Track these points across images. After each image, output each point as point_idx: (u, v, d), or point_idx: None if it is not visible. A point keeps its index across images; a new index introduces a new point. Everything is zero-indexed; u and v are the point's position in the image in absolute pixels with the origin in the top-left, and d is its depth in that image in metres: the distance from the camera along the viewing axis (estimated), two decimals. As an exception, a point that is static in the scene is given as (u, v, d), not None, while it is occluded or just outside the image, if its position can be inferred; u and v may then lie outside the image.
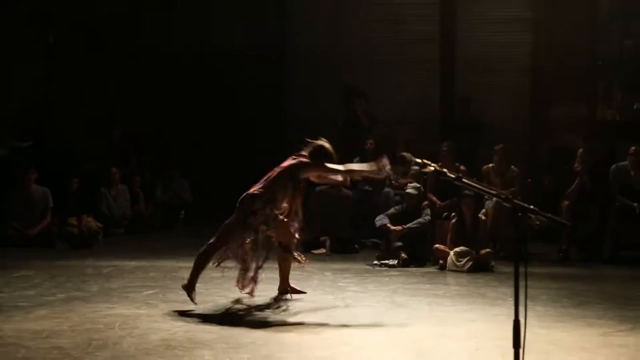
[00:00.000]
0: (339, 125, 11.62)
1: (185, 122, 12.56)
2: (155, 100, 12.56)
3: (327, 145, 6.30)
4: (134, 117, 12.47)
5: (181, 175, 12.17)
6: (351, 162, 10.30)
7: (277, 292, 6.37)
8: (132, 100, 12.57)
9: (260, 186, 6.09)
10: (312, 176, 6.39)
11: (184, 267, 7.76)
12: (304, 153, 6.26)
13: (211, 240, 6.12)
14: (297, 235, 6.24)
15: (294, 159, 6.24)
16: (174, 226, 11.62)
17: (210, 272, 7.47)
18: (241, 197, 6.07)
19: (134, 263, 8.18)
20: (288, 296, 6.29)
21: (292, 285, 6.40)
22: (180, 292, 6.43)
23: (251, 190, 6.07)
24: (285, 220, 6.13)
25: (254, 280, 6.06)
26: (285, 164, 6.22)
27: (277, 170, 6.18)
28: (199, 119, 12.52)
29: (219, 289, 6.69)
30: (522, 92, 12.09)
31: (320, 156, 6.23)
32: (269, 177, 6.14)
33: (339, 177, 6.63)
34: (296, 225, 6.24)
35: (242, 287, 6.07)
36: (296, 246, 6.30)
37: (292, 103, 12.74)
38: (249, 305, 5.99)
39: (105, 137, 12.00)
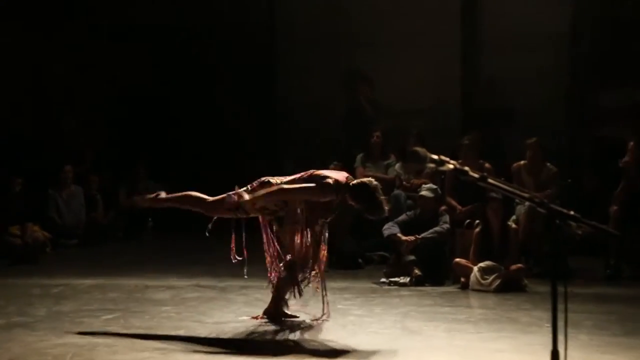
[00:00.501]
0: (340, 116, 11.62)
1: (156, 111, 12.53)
2: (119, 83, 12.52)
3: (373, 185, 6.13)
4: (91, 103, 12.42)
5: (149, 175, 12.13)
6: (354, 158, 10.45)
7: (261, 314, 6.35)
8: (88, 83, 12.51)
9: (282, 179, 6.21)
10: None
11: (152, 287, 7.77)
12: (353, 182, 6.20)
13: (209, 198, 6.27)
14: (309, 260, 6.25)
15: (346, 178, 6.18)
16: (140, 237, 11.60)
17: (183, 291, 7.46)
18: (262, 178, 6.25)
19: (89, 281, 8.14)
20: (276, 321, 6.27)
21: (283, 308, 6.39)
22: (147, 317, 6.42)
23: (272, 178, 6.22)
24: (297, 232, 6.17)
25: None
26: (326, 172, 6.21)
27: (309, 173, 6.20)
28: (173, 108, 12.50)
29: (193, 312, 6.67)
30: (560, 74, 12.09)
31: (360, 195, 6.09)
32: (300, 176, 6.21)
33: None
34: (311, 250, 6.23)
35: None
36: (303, 272, 6.29)
37: (283, 91, 12.73)
38: (227, 332, 5.96)
39: (55, 127, 11.97)
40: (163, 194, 6.49)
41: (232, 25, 12.36)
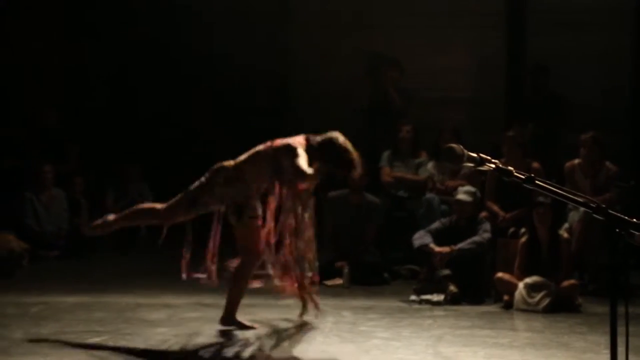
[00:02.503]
0: (362, 108, 11.61)
1: (147, 101, 12.57)
2: (106, 68, 12.57)
3: (341, 140, 6.62)
4: (76, 93, 12.47)
5: (141, 177, 12.17)
6: (379, 158, 10.45)
7: (219, 323, 6.72)
8: (71, 70, 12.58)
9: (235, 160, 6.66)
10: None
11: (145, 305, 7.81)
12: (316, 139, 6.67)
13: (159, 205, 6.83)
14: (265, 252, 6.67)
15: (304, 139, 6.64)
16: (131, 247, 11.62)
17: (181, 311, 7.50)
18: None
19: (73, 299, 8.17)
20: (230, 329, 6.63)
21: (238, 318, 6.77)
22: (140, 340, 6.45)
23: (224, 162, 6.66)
24: (258, 223, 6.62)
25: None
26: (279, 141, 6.64)
27: (262, 146, 6.66)
28: (167, 96, 12.53)
29: (193, 334, 6.70)
30: (623, 57, 12.05)
31: (328, 153, 6.57)
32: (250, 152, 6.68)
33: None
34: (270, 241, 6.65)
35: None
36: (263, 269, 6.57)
37: (296, 79, 12.73)
38: (233, 357, 5.98)
39: (33, 121, 12.01)
40: (111, 217, 6.92)
41: (240, 8, 12.38)
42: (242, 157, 6.69)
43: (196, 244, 6.92)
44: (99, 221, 6.93)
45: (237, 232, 6.70)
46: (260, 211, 6.69)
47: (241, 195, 6.58)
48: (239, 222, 6.64)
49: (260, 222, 6.67)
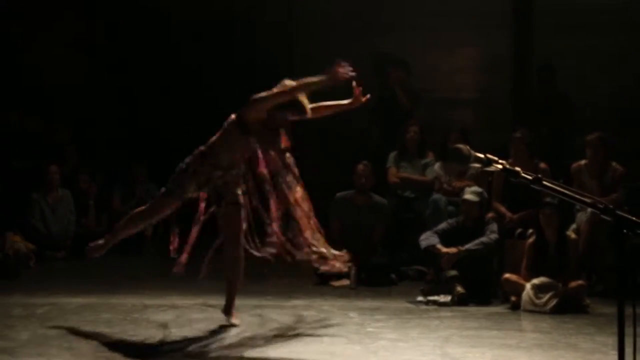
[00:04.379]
0: (369, 109, 11.61)
1: (153, 100, 12.58)
2: (107, 63, 12.58)
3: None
4: (74, 90, 12.49)
5: (148, 176, 12.17)
6: (386, 158, 10.45)
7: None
8: (71, 66, 12.59)
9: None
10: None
11: (152, 306, 7.81)
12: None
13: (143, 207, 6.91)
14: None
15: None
16: (138, 248, 11.62)
17: (188, 312, 7.50)
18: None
19: (79, 300, 8.19)
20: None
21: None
22: (147, 341, 6.46)
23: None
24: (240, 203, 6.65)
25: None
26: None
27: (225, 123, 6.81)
28: (173, 94, 12.53)
29: (200, 335, 6.72)
30: (631, 57, 12.01)
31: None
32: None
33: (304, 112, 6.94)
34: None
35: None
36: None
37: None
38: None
39: (36, 119, 12.02)
40: (101, 241, 7.15)
41: (244, 12, 12.38)
42: (213, 138, 6.72)
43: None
44: (93, 245, 7.13)
45: (219, 221, 6.80)
46: (241, 198, 6.71)
47: (219, 179, 6.65)
48: (219, 210, 6.72)
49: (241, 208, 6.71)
